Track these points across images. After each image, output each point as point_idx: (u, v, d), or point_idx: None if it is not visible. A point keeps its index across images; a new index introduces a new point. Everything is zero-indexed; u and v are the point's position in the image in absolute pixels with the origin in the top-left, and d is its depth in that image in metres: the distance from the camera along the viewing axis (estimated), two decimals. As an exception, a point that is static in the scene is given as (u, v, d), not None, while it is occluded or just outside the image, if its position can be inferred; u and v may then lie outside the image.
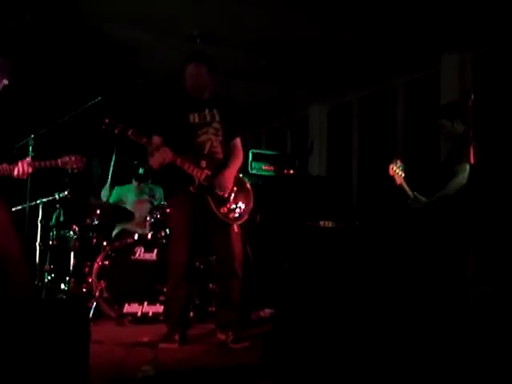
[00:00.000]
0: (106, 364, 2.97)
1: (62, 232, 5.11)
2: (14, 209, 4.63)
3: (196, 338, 3.81)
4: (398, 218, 4.90)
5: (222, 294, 3.79)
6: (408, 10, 4.72)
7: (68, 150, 3.63)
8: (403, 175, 4.00)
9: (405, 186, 4.01)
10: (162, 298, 4.41)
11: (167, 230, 4.62)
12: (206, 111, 3.69)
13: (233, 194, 3.67)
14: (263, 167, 5.76)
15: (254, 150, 5.88)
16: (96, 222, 4.89)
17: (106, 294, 4.36)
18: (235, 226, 3.67)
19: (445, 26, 5.00)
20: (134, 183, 5.57)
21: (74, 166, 3.62)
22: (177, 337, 3.60)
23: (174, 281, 3.67)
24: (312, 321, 3.01)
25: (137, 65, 6.17)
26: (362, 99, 7.18)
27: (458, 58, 5.66)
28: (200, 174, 3.57)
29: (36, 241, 4.82)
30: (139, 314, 4.40)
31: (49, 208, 5.22)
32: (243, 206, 3.70)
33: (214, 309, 4.44)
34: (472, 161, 3.29)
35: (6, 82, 3.50)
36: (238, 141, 3.82)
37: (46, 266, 4.93)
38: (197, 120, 3.66)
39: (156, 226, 4.73)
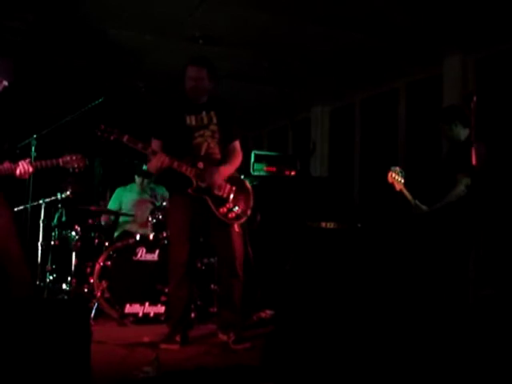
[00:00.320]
0: (107, 364, 2.98)
1: (63, 232, 5.12)
2: (16, 209, 4.65)
3: (197, 338, 3.82)
4: (400, 221, 4.89)
5: (224, 294, 3.80)
6: (411, 12, 4.71)
7: (70, 151, 3.64)
8: (403, 181, 3.96)
9: (405, 192, 3.97)
10: (163, 298, 4.42)
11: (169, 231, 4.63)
12: (203, 113, 3.69)
13: (232, 195, 3.67)
14: (265, 168, 5.76)
15: (256, 151, 5.88)
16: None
17: (107, 295, 4.38)
18: (236, 226, 3.67)
19: (447, 28, 5.00)
20: (138, 180, 5.55)
21: (75, 166, 3.62)
22: (178, 337, 3.61)
23: (176, 281, 3.68)
24: (313, 322, 3.01)
25: (139, 66, 6.18)
26: (364, 100, 7.16)
27: (460, 60, 5.65)
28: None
29: (38, 241, 4.84)
30: (140, 314, 4.41)
31: (51, 208, 5.24)
32: (243, 206, 3.71)
33: (215, 310, 4.46)
34: (474, 163, 3.29)
35: (5, 83, 3.51)
36: (236, 143, 3.82)
37: (48, 266, 4.96)
38: (193, 122, 3.66)
39: (158, 227, 4.72)
